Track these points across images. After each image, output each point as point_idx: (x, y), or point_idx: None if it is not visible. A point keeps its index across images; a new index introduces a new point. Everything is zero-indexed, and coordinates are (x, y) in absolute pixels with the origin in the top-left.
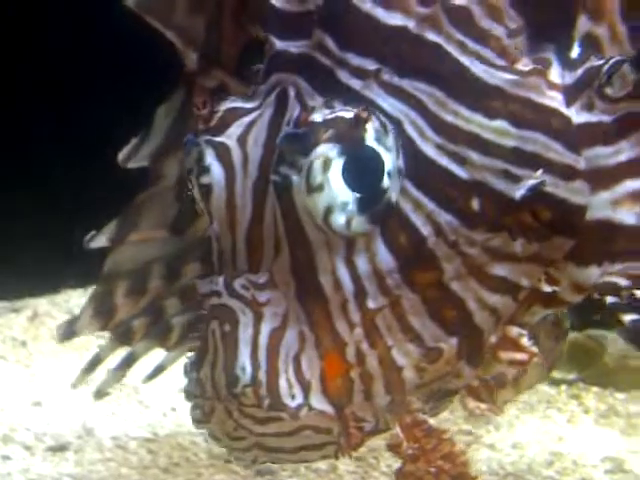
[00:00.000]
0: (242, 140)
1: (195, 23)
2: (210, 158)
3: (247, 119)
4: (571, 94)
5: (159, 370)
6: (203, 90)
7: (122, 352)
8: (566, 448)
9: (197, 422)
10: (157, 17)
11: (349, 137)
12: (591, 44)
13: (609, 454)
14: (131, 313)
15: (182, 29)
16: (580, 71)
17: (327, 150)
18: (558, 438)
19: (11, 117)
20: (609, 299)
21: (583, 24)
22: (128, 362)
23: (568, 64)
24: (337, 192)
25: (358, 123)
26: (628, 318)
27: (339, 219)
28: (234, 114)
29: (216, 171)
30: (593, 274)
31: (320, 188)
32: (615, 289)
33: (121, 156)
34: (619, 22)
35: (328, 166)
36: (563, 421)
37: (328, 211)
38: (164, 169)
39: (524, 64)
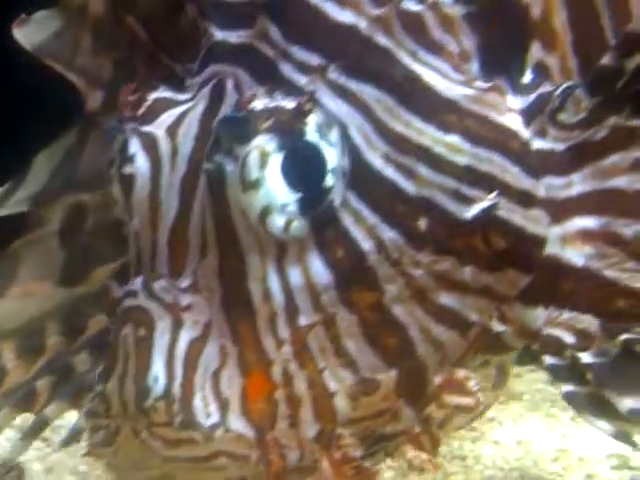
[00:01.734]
0: (172, 131)
1: (101, 62)
2: (135, 147)
3: (178, 110)
4: (524, 120)
5: (76, 433)
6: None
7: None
8: (571, 445)
9: (98, 446)
10: (59, 60)
11: (290, 129)
12: (542, 73)
13: (614, 451)
14: (25, 376)
15: (86, 69)
16: (533, 96)
17: (265, 142)
18: (562, 435)
19: None
20: (548, 359)
21: (535, 51)
22: (38, 429)
23: (520, 89)
24: (276, 191)
25: (300, 114)
26: (564, 389)
27: (277, 221)
28: (164, 104)
29: (141, 162)
30: (539, 317)
31: (256, 185)
32: (558, 346)
33: None
34: (571, 54)
35: (266, 161)
36: (567, 419)
37: (265, 211)
38: (46, 215)
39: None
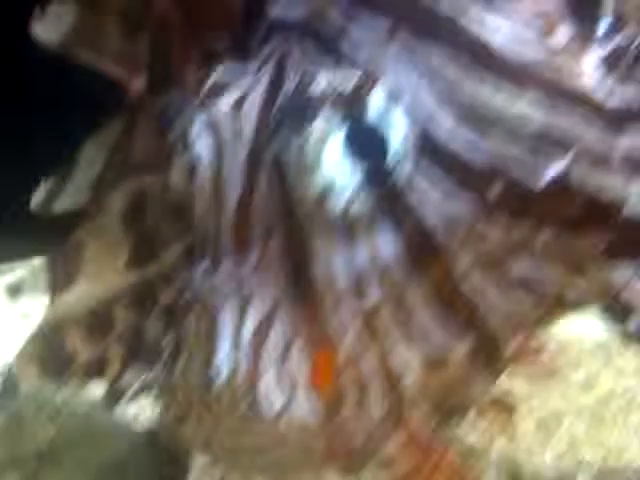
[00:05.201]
0: (235, 109)
1: (135, 45)
2: (198, 127)
3: (242, 86)
4: (603, 71)
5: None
6: (154, 113)
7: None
8: None
9: (168, 427)
10: (87, 50)
11: (353, 105)
12: (618, 18)
13: None
14: (96, 351)
15: (119, 55)
16: (611, 45)
17: (326, 121)
18: None
19: None
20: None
21: None
22: (116, 395)
23: (597, 38)
24: (336, 170)
25: (363, 88)
26: None
27: (338, 202)
28: (227, 80)
29: (204, 143)
30: (621, 274)
31: (316, 166)
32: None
33: (36, 203)
34: None
35: (327, 140)
36: None
37: (325, 192)
38: (105, 202)
39: (560, 34)
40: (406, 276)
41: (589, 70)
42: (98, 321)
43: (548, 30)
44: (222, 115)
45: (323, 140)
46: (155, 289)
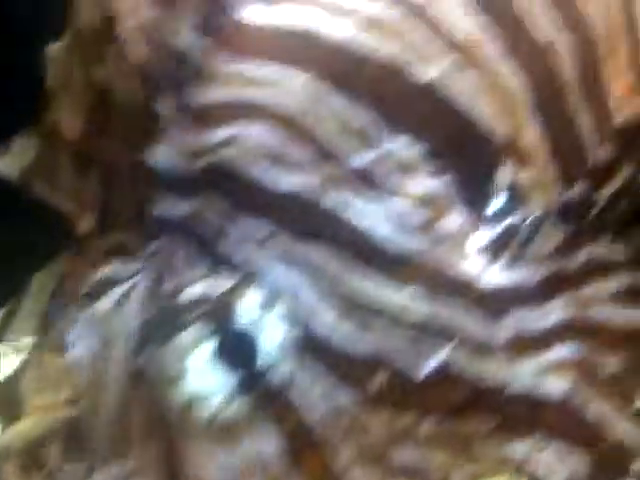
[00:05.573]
0: (116, 310)
1: (86, 183)
2: (79, 329)
3: (125, 286)
4: (492, 253)
5: None
6: (99, 252)
7: None
8: None
9: None
10: (43, 185)
11: (224, 312)
12: (515, 194)
13: None
14: None
15: (70, 191)
16: (501, 227)
17: (196, 332)
18: None
19: None
20: None
21: (507, 173)
22: None
23: (488, 220)
24: (204, 379)
25: (236, 293)
26: None
27: (208, 408)
28: (111, 280)
29: (83, 345)
30: (518, 450)
31: (182, 375)
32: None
33: None
34: (547, 167)
35: (195, 349)
36: None
37: (192, 401)
38: (49, 332)
39: (450, 219)
40: (286, 473)
41: (475, 254)
42: (32, 458)
43: (436, 216)
44: (104, 314)
45: (191, 349)
46: (87, 427)
